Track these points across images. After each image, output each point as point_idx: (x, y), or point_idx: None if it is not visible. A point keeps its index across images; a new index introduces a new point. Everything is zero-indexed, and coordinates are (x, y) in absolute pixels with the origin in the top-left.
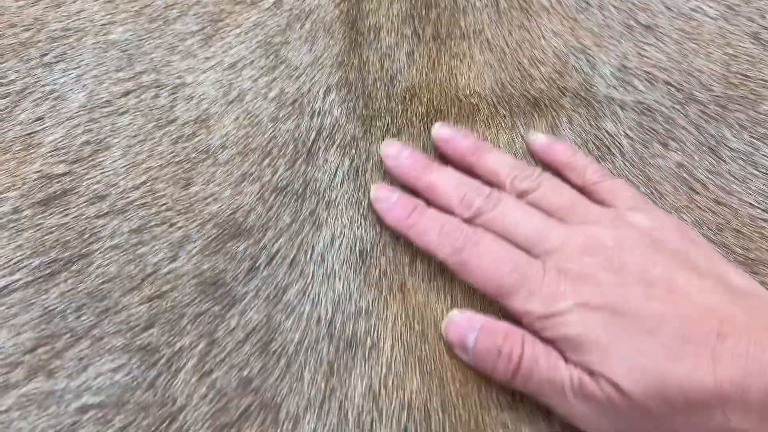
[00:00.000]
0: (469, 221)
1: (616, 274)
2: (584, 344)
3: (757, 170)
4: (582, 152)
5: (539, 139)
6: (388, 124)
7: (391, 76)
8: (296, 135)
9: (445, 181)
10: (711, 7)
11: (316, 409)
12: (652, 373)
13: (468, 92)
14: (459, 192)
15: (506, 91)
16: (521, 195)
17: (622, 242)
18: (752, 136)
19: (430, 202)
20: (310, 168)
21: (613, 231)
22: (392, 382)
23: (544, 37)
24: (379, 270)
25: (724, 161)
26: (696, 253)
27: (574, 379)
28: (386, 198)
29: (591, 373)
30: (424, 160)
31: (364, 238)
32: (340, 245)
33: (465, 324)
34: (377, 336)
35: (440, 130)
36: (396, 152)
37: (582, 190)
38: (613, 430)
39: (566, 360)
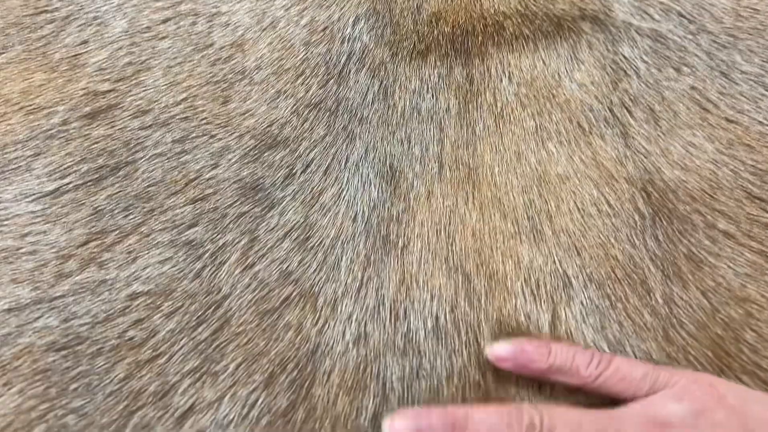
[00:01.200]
0: None
1: None
2: None
3: (766, 91)
4: (557, 345)
5: (500, 351)
6: (415, 44)
7: (417, 5)
8: (327, 58)
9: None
10: None
11: (353, 295)
12: None
13: (493, 11)
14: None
15: (530, 9)
16: None
17: None
18: (763, 60)
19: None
20: (341, 88)
21: None
22: (422, 278)
23: None
24: (407, 183)
25: (735, 83)
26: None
27: None
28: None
29: None
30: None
31: (394, 154)
32: (374, 158)
33: None
34: (407, 239)
35: (494, 352)
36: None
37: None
38: None
39: None
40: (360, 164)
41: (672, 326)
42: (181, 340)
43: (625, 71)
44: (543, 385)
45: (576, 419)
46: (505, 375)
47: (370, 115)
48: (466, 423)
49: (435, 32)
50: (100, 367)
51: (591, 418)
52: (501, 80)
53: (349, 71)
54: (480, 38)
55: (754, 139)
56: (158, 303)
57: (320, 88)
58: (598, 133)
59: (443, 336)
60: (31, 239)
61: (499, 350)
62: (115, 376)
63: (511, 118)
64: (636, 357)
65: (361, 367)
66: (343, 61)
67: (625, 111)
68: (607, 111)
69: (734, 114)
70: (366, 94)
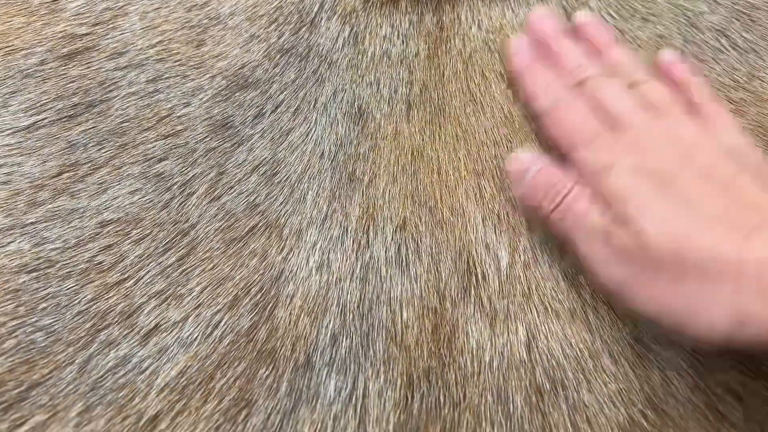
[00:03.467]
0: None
1: (680, 158)
2: (626, 198)
3: (728, 45)
4: (701, 78)
5: (666, 55)
6: None
7: None
8: (300, 7)
9: (572, 49)
10: None
11: (318, 225)
12: (679, 230)
13: None
14: (578, 60)
15: None
16: (630, 86)
17: (700, 144)
18: (727, 11)
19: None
20: (312, 36)
21: (695, 134)
22: (386, 211)
23: None
24: (375, 122)
25: (701, 32)
26: None
27: (604, 223)
28: (520, 45)
29: (621, 222)
30: (562, 30)
31: (362, 96)
32: (341, 99)
33: (530, 160)
34: (373, 175)
35: (581, 17)
36: (543, 16)
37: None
38: (622, 277)
39: (605, 210)
40: (328, 105)
41: None
42: (148, 264)
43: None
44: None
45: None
46: (461, 303)
47: (340, 60)
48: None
49: None
50: (69, 288)
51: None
52: (470, 27)
53: (321, 19)
54: None
55: (713, 88)
56: (127, 230)
57: (292, 35)
58: None
59: (404, 264)
60: (5, 170)
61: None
62: (84, 297)
63: (480, 62)
64: (590, 287)
65: (323, 292)
66: (315, 10)
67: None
68: None
69: (696, 62)
70: (336, 39)
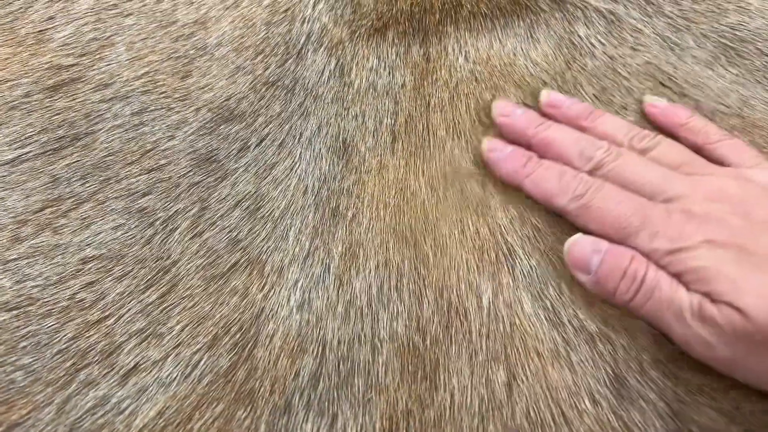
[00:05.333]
0: (588, 174)
1: (742, 219)
2: (712, 275)
3: (716, 75)
4: (699, 114)
5: (656, 101)
6: (373, 23)
7: None
8: (287, 39)
9: (562, 136)
10: None
11: (300, 263)
12: None
13: None
14: (578, 146)
15: None
16: (642, 152)
17: (746, 193)
18: (714, 45)
19: (544, 157)
20: (298, 67)
21: (736, 183)
22: (369, 247)
23: None
24: (359, 156)
25: (687, 63)
26: None
27: (694, 303)
28: (500, 149)
29: (713, 300)
30: (539, 118)
31: (347, 129)
32: (326, 133)
33: (589, 246)
34: (357, 210)
35: (550, 96)
36: (510, 110)
37: (700, 150)
38: (727, 357)
39: (688, 289)
40: (313, 139)
41: None
42: (129, 302)
43: (580, 50)
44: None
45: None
46: (443, 341)
47: (325, 93)
48: None
49: (394, 10)
50: (49, 326)
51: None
52: (457, 58)
53: (307, 51)
54: (438, 16)
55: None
56: (109, 267)
57: (278, 67)
58: None
59: (386, 301)
60: None
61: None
62: (64, 336)
63: (466, 94)
64: (572, 326)
65: (303, 331)
66: (302, 42)
67: (579, 88)
68: (561, 89)
69: (689, 89)
70: (322, 72)
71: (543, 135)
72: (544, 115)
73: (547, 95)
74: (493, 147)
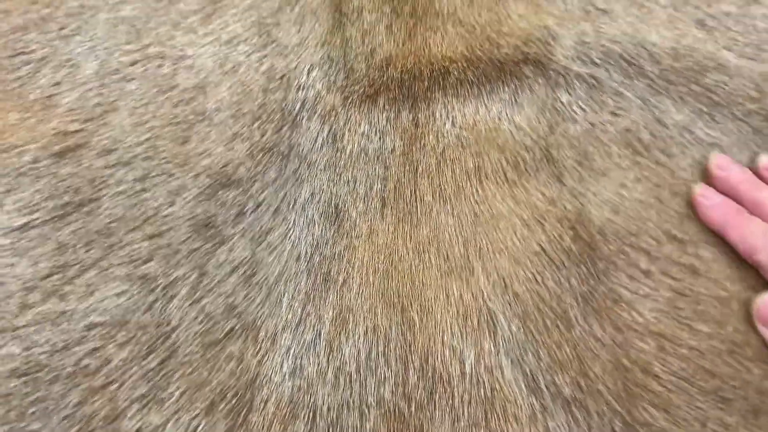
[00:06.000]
0: None
1: None
2: None
3: (693, 139)
4: None
5: None
6: (365, 89)
7: (371, 49)
8: (283, 105)
9: None
10: None
11: (293, 330)
12: None
13: (440, 57)
14: None
15: (475, 54)
16: None
17: None
18: (690, 110)
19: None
20: (294, 134)
21: None
22: (358, 313)
23: (510, 18)
24: (350, 222)
25: (667, 128)
26: None
27: None
28: (711, 196)
29: None
30: (754, 177)
31: (339, 195)
32: (319, 200)
33: None
34: (347, 275)
35: (765, 161)
36: (728, 165)
37: None
38: None
39: None
40: (306, 206)
41: (587, 359)
42: (131, 368)
43: (562, 116)
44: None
45: None
46: (427, 406)
47: (319, 160)
48: None
49: (385, 77)
50: (56, 392)
51: None
52: (444, 124)
53: (302, 118)
54: (426, 83)
55: (678, 183)
56: (113, 333)
57: (274, 134)
58: (533, 174)
59: (374, 367)
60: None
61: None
62: (70, 401)
63: (452, 159)
64: (549, 392)
65: (295, 397)
66: (297, 108)
67: (561, 153)
68: (544, 153)
69: (664, 158)
70: (316, 139)
71: (756, 195)
72: (760, 177)
73: (765, 160)
74: (704, 193)
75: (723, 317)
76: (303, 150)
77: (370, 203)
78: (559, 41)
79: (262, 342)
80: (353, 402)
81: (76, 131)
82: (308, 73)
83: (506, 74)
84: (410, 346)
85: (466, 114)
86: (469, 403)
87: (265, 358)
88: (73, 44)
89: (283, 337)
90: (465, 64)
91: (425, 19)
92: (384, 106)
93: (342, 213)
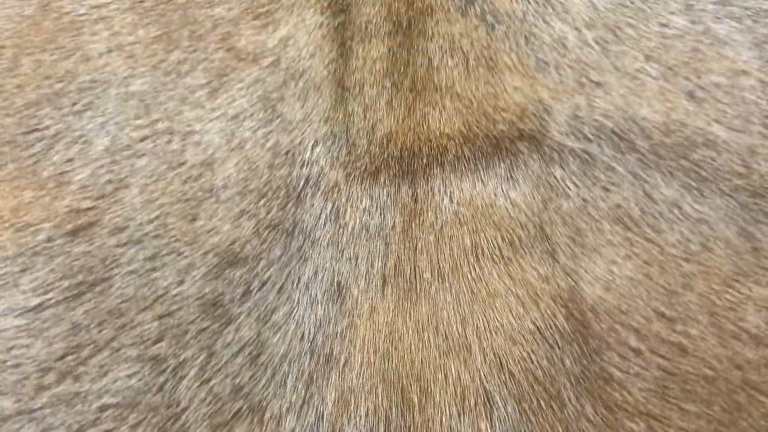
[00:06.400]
0: None
1: None
2: None
3: (681, 215)
4: None
5: None
6: (367, 165)
7: (372, 125)
8: (288, 181)
9: None
10: (653, 68)
11: (296, 411)
12: None
13: (438, 134)
14: None
15: (472, 131)
16: None
17: None
18: (680, 184)
19: None
20: (298, 211)
21: None
22: (360, 393)
23: (506, 91)
24: (352, 300)
25: (656, 204)
26: None
27: None
28: None
29: None
30: None
31: (341, 272)
32: (322, 278)
33: None
34: (349, 355)
35: None
36: None
37: None
38: None
39: None
40: (310, 284)
41: None
42: None
43: (556, 191)
44: None
45: None
46: None
47: (322, 237)
48: None
49: (386, 153)
50: None
51: None
52: (443, 199)
53: (306, 195)
54: (425, 160)
55: (667, 260)
56: (125, 415)
57: (279, 210)
58: (528, 251)
59: None
60: (15, 352)
61: None
62: None
63: (450, 236)
64: None
65: None
66: (301, 185)
67: (554, 230)
68: (538, 229)
69: (653, 234)
70: (319, 216)
71: None
72: None
73: None
74: None
75: (710, 397)
76: (307, 227)
77: (371, 281)
78: (554, 116)
79: (268, 423)
80: None
81: (89, 209)
82: (312, 149)
83: (502, 150)
84: (410, 429)
85: (463, 189)
86: None
87: None
88: (85, 120)
89: (288, 419)
90: (462, 141)
91: (424, 94)
92: (385, 181)
93: (344, 291)
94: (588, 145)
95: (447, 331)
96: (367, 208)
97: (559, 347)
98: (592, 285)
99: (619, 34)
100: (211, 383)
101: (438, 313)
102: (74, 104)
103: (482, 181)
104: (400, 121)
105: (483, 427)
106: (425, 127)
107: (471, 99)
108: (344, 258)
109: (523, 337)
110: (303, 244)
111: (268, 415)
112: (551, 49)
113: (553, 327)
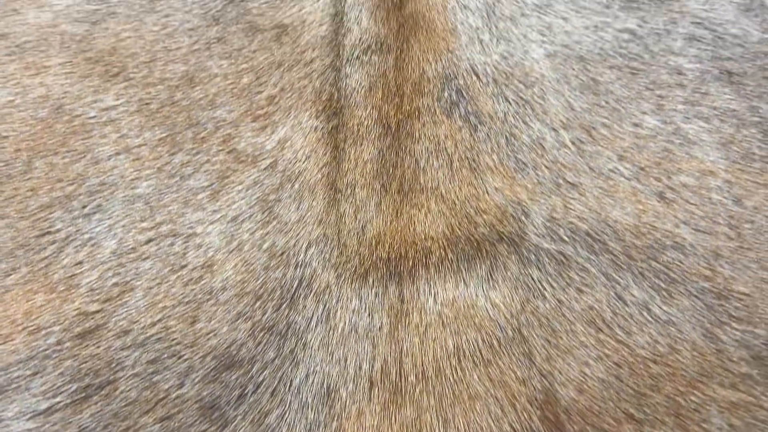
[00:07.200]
0: None
1: None
2: None
3: (650, 317)
4: None
5: None
6: (356, 267)
7: (363, 225)
8: (282, 283)
9: None
10: (626, 168)
11: None
12: None
13: (423, 236)
14: None
15: (455, 233)
16: None
17: None
18: (649, 285)
19: None
20: (291, 312)
21: None
22: None
23: (487, 192)
24: (341, 403)
25: (627, 305)
26: None
27: None
28: None
29: None
30: None
31: (331, 375)
32: (313, 381)
33: None
34: None
35: None
36: None
37: None
38: None
39: None
40: (301, 388)
41: None
42: None
43: (533, 292)
44: None
45: None
46: None
47: (313, 340)
48: None
49: (374, 255)
50: None
51: None
52: (427, 300)
53: (299, 296)
54: (411, 262)
55: (636, 362)
56: None
57: (274, 312)
58: (507, 352)
59: None
60: None
61: None
62: None
63: (434, 339)
64: None
65: None
66: (294, 286)
67: (531, 332)
68: (516, 331)
69: (623, 336)
70: (311, 318)
71: None
72: None
73: None
74: None
75: None
76: (299, 329)
77: (358, 383)
78: (532, 218)
79: None
80: None
81: (96, 312)
82: (306, 251)
83: (483, 252)
84: None
85: (447, 290)
86: None
87: None
88: (94, 222)
89: None
90: (446, 243)
91: (411, 196)
92: (373, 282)
93: (333, 394)
94: (563, 247)
95: None
96: (356, 308)
97: None
98: (565, 386)
99: (594, 134)
100: None
101: (422, 416)
102: (84, 207)
103: (464, 281)
104: (389, 222)
105: None
106: (412, 229)
107: (454, 200)
108: (334, 360)
109: None
110: (295, 346)
111: None
112: (530, 149)
113: (529, 429)
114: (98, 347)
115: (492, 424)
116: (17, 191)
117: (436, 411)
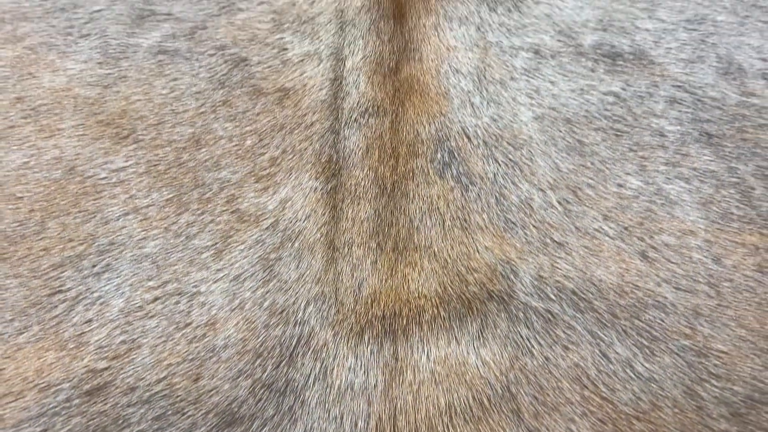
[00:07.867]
0: None
1: None
2: None
3: (633, 374)
4: None
5: None
6: (352, 326)
7: (359, 283)
8: (282, 341)
9: None
10: (611, 228)
11: None
12: None
13: (417, 294)
14: None
15: (447, 292)
16: None
17: None
18: (632, 343)
19: None
20: (290, 370)
21: None
22: None
23: (478, 251)
24: None
25: (611, 363)
26: None
27: None
28: None
29: None
30: None
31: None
32: None
33: None
34: None
35: None
36: None
37: None
38: None
39: None
40: None
41: None
42: None
43: (522, 350)
44: None
45: None
46: None
47: (310, 397)
48: None
49: (370, 313)
50: None
51: None
52: (421, 357)
53: (297, 354)
54: (405, 320)
55: (620, 418)
56: None
57: (274, 369)
58: (496, 410)
59: None
60: None
61: None
62: None
63: (427, 396)
64: None
65: None
66: (293, 344)
67: (519, 389)
68: (505, 389)
69: (607, 392)
70: (309, 376)
71: None
72: None
73: None
74: None
75: None
76: (297, 386)
77: None
78: (520, 277)
79: None
80: None
81: (104, 369)
82: (304, 309)
83: (473, 311)
84: None
85: (439, 347)
86: None
87: None
88: (103, 281)
89: None
90: (438, 301)
91: (405, 254)
92: (369, 340)
93: None
94: (550, 305)
95: None
96: (352, 366)
97: None
98: None
99: (580, 194)
100: None
101: None
102: (94, 266)
103: (456, 339)
104: (384, 281)
105: None
106: (406, 287)
107: (446, 259)
108: (330, 417)
109: None
110: (294, 403)
111: None
112: (519, 209)
113: None
114: (106, 404)
115: None
116: (30, 251)
117: None
